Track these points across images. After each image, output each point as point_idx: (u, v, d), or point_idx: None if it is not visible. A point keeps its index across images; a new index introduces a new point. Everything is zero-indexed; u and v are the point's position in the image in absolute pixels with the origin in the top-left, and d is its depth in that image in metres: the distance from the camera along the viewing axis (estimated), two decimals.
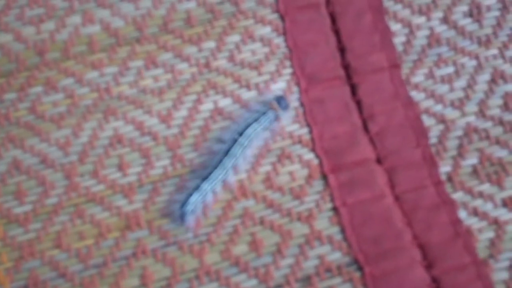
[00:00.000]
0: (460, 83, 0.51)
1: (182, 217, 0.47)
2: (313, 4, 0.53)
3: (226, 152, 0.48)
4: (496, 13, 0.53)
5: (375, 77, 0.51)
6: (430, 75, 0.51)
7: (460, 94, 0.51)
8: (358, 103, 0.51)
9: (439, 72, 0.52)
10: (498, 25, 0.53)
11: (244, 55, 0.53)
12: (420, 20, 0.53)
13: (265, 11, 0.54)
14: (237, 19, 0.53)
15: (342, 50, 0.52)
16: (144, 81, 0.52)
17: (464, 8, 0.53)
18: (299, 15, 0.53)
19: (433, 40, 0.52)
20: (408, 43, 0.52)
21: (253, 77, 0.52)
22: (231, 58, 0.53)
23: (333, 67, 0.52)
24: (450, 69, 0.52)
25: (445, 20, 0.53)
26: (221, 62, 0.52)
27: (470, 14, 0.53)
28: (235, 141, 0.48)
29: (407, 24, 0.53)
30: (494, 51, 0.52)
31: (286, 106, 0.50)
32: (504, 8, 0.53)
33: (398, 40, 0.53)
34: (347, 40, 0.52)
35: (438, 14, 0.53)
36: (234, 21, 0.53)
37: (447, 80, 0.51)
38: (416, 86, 0.51)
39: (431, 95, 0.51)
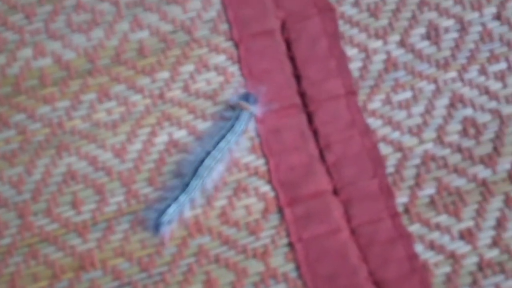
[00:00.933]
0: (418, 108, 0.50)
1: (157, 228, 0.47)
2: (267, 31, 0.52)
3: (201, 163, 0.48)
4: (455, 35, 0.52)
5: (332, 104, 0.50)
6: (387, 101, 0.51)
7: (418, 120, 0.50)
8: (315, 132, 0.50)
9: (396, 98, 0.51)
10: (457, 47, 0.52)
11: (198, 84, 0.52)
12: (376, 44, 0.52)
13: (219, 39, 0.53)
14: (191, 48, 0.52)
15: (298, 77, 0.51)
16: (97, 115, 0.51)
17: (422, 30, 0.52)
18: (254, 42, 0.52)
19: (390, 64, 0.52)
20: (364, 68, 0.52)
21: (209, 107, 0.51)
22: (185, 88, 0.52)
23: (289, 95, 0.51)
24: (407, 94, 0.51)
25: (402, 43, 0.52)
26: (176, 92, 0.52)
27: (427, 37, 0.52)
28: (208, 153, 0.48)
29: (364, 49, 0.52)
30: (453, 74, 0.51)
31: (255, 100, 0.49)
32: (462, 30, 0.52)
33: (355, 66, 0.52)
34: (303, 67, 0.51)
35: (395, 37, 0.52)
36: (188, 50, 0.52)
37: (405, 105, 0.51)
38: (373, 113, 0.50)
39: (388, 122, 0.50)
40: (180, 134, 0.51)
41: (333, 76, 0.51)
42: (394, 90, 0.51)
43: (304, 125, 0.50)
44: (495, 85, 0.51)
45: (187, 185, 0.47)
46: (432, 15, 0.53)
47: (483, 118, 0.50)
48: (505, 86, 0.51)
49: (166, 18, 0.53)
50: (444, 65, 0.51)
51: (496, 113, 0.50)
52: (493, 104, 0.50)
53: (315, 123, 0.50)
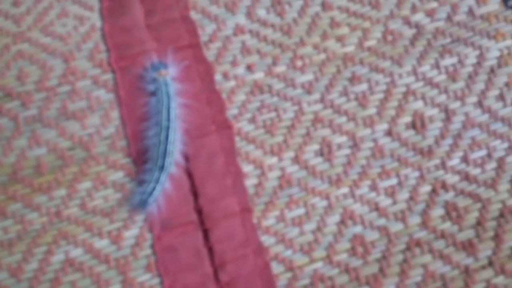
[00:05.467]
0: (310, 225, 0.52)
1: (144, 206, 0.50)
2: None
3: (166, 139, 0.51)
4: (347, 151, 0.54)
5: (227, 222, 0.52)
6: (281, 218, 0.52)
7: (310, 237, 0.52)
8: (210, 249, 0.51)
9: (290, 214, 0.52)
10: (349, 163, 0.54)
11: (96, 202, 0.52)
12: (272, 160, 0.54)
13: (117, 155, 0.53)
14: (89, 165, 0.53)
15: (195, 194, 0.52)
16: None
17: (315, 147, 0.54)
18: None
19: (284, 181, 0.53)
20: (259, 185, 0.53)
21: (106, 224, 0.52)
22: (82, 206, 0.52)
23: (186, 211, 0.52)
24: (301, 211, 0.52)
25: (296, 160, 0.54)
26: (73, 210, 0.52)
27: (321, 153, 0.54)
28: (167, 128, 0.51)
29: (259, 165, 0.53)
30: (344, 190, 0.53)
31: (165, 64, 0.53)
32: (354, 146, 0.54)
33: (250, 182, 0.53)
34: (200, 183, 0.53)
35: (290, 154, 0.54)
36: (86, 167, 0.53)
37: (298, 222, 0.52)
38: (267, 230, 0.52)
39: (282, 239, 0.52)
40: (77, 253, 0.51)
41: (228, 193, 0.52)
42: (288, 207, 0.52)
43: (200, 243, 0.51)
44: (385, 202, 0.53)
45: (162, 165, 0.50)
46: (326, 132, 0.54)
47: (371, 236, 0.52)
48: (394, 202, 0.53)
49: (64, 134, 0.54)
50: (336, 181, 0.53)
51: (384, 231, 0.52)
52: (382, 221, 0.52)
53: (211, 241, 0.51)
